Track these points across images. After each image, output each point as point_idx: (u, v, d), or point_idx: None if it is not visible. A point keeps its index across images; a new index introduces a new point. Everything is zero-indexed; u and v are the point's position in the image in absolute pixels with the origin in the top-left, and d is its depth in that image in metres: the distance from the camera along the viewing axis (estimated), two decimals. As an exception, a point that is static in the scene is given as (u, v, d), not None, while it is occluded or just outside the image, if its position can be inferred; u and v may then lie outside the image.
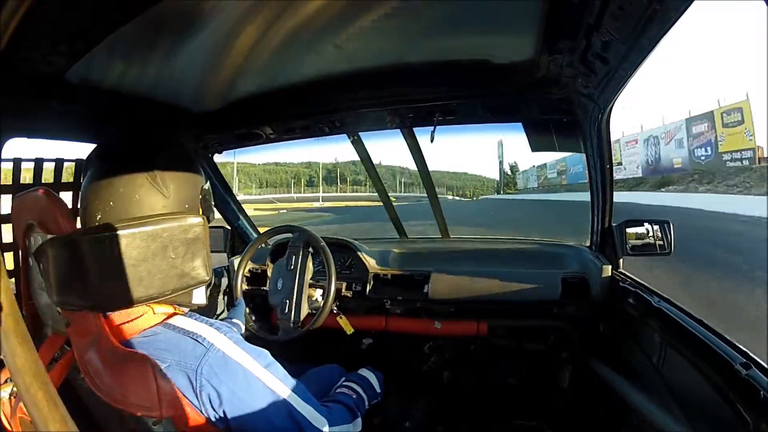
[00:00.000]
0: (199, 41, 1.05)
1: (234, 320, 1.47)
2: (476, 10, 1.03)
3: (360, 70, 1.36)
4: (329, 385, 1.21)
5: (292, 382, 0.89)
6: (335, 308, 1.83)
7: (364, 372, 1.33)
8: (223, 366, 0.80)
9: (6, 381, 0.78)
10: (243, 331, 1.52)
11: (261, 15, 0.99)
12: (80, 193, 0.85)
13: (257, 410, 0.81)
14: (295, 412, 0.85)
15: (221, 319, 1.50)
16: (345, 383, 1.22)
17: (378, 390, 1.30)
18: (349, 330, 1.84)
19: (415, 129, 1.77)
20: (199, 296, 0.91)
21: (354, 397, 1.16)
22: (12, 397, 0.78)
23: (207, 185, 0.94)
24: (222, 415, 0.80)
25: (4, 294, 0.47)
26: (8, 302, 0.47)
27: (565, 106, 1.42)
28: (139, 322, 0.82)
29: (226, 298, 2.05)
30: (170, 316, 0.85)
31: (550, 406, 1.90)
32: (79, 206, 0.85)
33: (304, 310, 1.70)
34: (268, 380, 0.84)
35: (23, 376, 0.46)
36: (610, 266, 1.63)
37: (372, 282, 1.86)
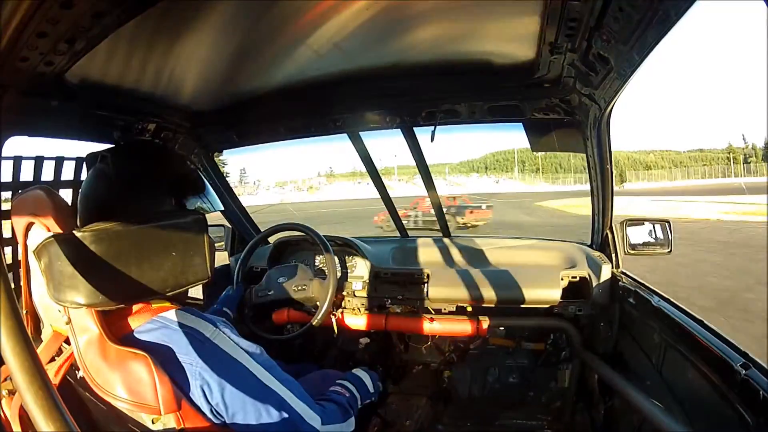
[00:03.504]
0: (199, 40, 1.05)
1: (224, 309, 1.48)
2: (477, 10, 1.03)
3: (360, 69, 1.36)
4: (324, 387, 1.21)
5: (287, 378, 0.90)
6: (333, 307, 1.83)
7: (358, 372, 1.34)
8: (218, 360, 0.82)
9: (6, 379, 0.78)
10: (233, 317, 1.54)
11: (261, 13, 0.99)
12: (80, 190, 0.86)
13: (251, 404, 0.83)
14: (288, 408, 0.86)
15: (214, 311, 1.51)
16: (338, 382, 1.23)
17: (371, 390, 1.31)
18: (335, 331, 1.83)
19: (415, 128, 1.77)
20: (196, 292, 0.92)
21: (347, 396, 1.17)
22: (11, 395, 0.78)
23: (188, 184, 0.95)
24: (218, 408, 0.81)
25: (4, 292, 0.47)
26: (8, 300, 0.47)
27: (566, 106, 1.42)
28: (136, 317, 0.83)
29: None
30: (166, 310, 0.86)
31: (550, 405, 1.90)
32: (78, 204, 0.85)
33: (308, 308, 1.69)
34: (262, 375, 0.86)
35: (23, 374, 0.46)
36: (610, 265, 1.63)
37: (372, 281, 1.86)
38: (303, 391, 0.92)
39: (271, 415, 0.84)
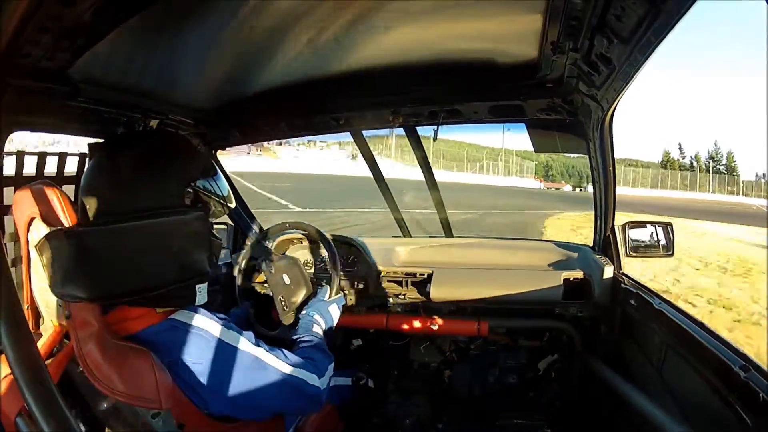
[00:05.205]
0: (201, 38, 1.05)
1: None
2: (479, 9, 1.03)
3: (363, 69, 1.36)
4: None
5: (281, 353, 0.99)
6: None
7: (309, 315, 1.38)
8: (226, 354, 0.86)
9: (6, 376, 0.78)
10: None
11: (264, 12, 0.99)
12: (80, 186, 0.86)
13: (262, 388, 0.91)
14: (294, 379, 0.97)
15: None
16: (304, 338, 1.25)
17: (327, 323, 1.39)
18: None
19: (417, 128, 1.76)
20: (201, 296, 0.93)
21: (317, 340, 1.23)
22: (11, 391, 0.78)
23: (202, 181, 0.94)
24: (229, 400, 0.85)
25: (5, 287, 0.47)
26: (9, 295, 0.47)
27: (568, 106, 1.41)
28: (141, 321, 0.84)
29: (227, 294, 2.05)
30: (171, 314, 0.87)
31: (550, 405, 1.90)
32: (79, 198, 0.86)
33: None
34: (267, 358, 0.93)
35: (23, 369, 0.46)
36: (612, 267, 1.63)
37: (374, 280, 1.86)
38: (296, 358, 1.03)
39: (282, 391, 0.95)
